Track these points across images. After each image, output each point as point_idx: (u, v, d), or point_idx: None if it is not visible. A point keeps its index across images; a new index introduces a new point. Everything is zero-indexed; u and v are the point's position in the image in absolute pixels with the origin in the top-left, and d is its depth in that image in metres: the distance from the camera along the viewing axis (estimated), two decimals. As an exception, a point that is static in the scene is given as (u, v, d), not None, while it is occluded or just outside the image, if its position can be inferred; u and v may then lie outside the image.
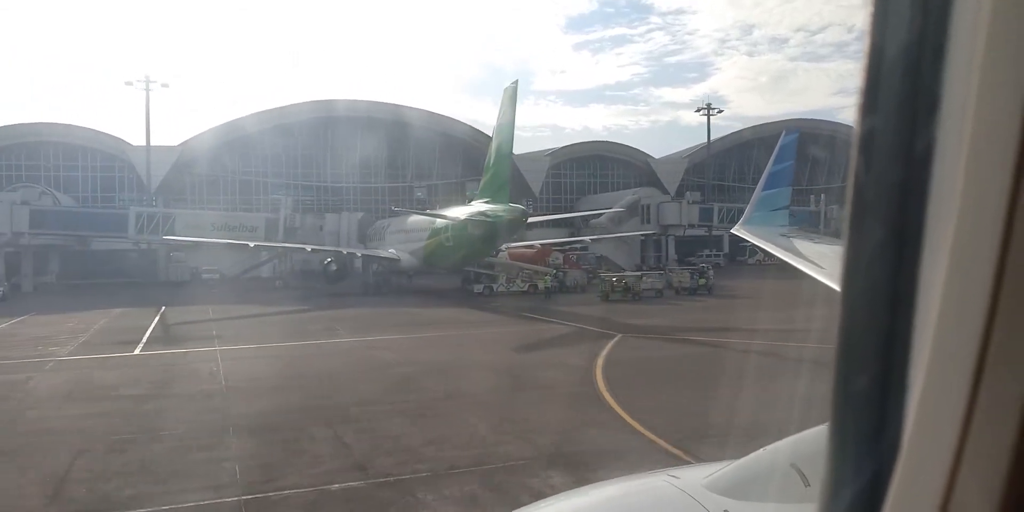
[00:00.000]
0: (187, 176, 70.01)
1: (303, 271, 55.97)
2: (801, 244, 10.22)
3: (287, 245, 50.87)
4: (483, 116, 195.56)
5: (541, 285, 43.69)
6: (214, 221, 59.55)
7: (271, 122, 71.92)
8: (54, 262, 61.30)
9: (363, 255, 45.94)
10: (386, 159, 78.64)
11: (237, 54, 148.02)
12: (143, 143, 67.67)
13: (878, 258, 0.96)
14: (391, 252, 46.27)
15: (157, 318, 33.64)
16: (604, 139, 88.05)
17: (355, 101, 78.46)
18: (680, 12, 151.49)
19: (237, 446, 12.32)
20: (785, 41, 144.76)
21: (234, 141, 71.07)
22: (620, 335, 24.77)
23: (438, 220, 40.87)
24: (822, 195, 73.35)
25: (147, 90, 62.83)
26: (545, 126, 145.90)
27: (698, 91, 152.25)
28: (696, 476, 3.15)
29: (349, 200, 77.82)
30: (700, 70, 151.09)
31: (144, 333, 27.99)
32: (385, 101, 78.73)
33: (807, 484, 2.62)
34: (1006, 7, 0.76)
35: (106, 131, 69.59)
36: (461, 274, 47.86)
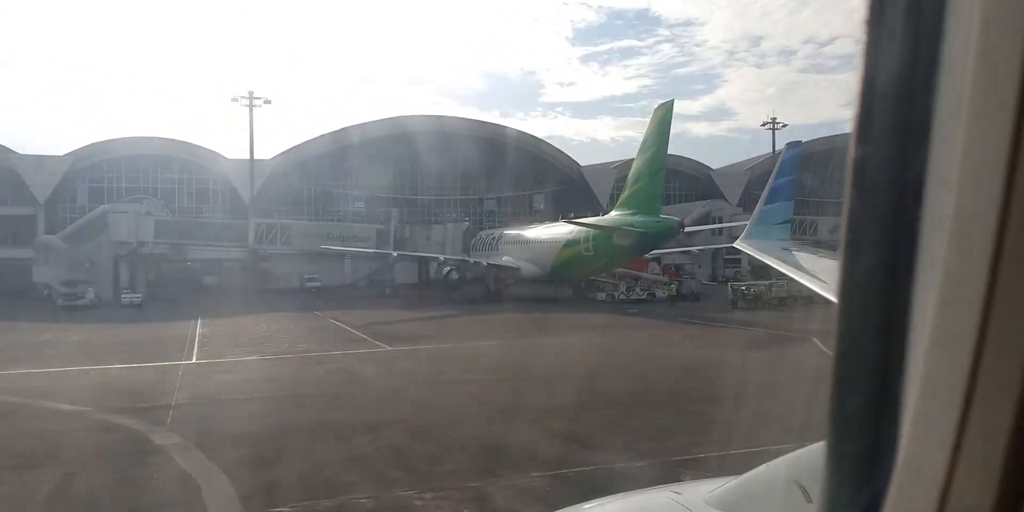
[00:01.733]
0: (278, 188, 72.94)
1: (391, 280, 59.03)
2: (804, 258, 10.28)
3: (424, 255, 53.30)
4: None
5: (659, 293, 46.07)
6: (329, 232, 62.28)
7: (354, 138, 74.75)
8: (151, 271, 63.98)
9: (488, 264, 48.35)
10: (460, 172, 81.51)
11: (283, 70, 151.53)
12: (235, 156, 71.03)
13: (872, 281, 0.99)
14: (508, 260, 48.76)
15: (335, 321, 36.20)
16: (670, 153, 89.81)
17: (429, 116, 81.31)
18: (688, 24, 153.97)
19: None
20: (793, 53, 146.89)
21: (321, 156, 74.04)
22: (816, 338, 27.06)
23: (576, 230, 43.31)
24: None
25: (251, 106, 65.80)
26: (552, 138, 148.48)
27: (706, 103, 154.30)
28: (698, 492, 3.14)
29: (423, 212, 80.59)
30: (708, 82, 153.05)
31: (356, 333, 30.56)
32: (459, 116, 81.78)
33: (809, 500, 2.59)
34: (993, 42, 0.79)
35: (201, 144, 72.60)
36: (570, 284, 50.25)
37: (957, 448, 0.83)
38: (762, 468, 3.08)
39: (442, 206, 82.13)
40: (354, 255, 63.49)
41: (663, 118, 38.97)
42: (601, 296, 46.09)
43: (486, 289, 48.70)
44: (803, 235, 57.12)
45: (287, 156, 73.57)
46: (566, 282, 49.74)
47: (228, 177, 71.42)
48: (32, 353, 25.71)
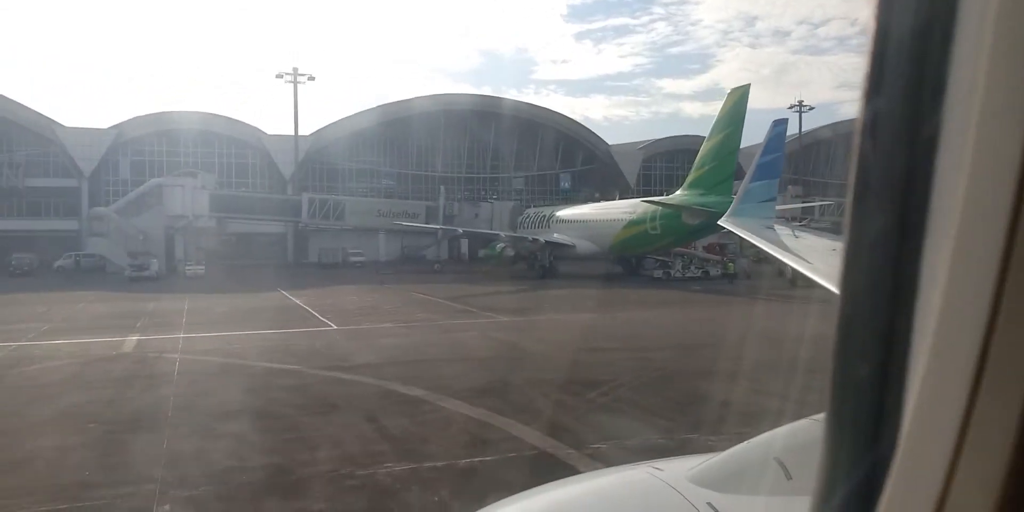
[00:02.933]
0: (316, 164, 74.08)
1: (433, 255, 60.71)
2: (787, 237, 10.19)
3: (483, 231, 54.61)
4: None
5: (713, 271, 47.83)
6: (380, 208, 63.56)
7: (390, 115, 75.74)
8: (195, 244, 65.04)
9: (545, 241, 49.80)
10: (491, 150, 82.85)
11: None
12: (275, 132, 71.95)
13: (880, 245, 0.96)
14: (564, 238, 50.31)
15: (418, 294, 37.75)
16: (694, 134, 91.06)
17: (464, 95, 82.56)
18: (683, 2, 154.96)
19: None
20: (788, 34, 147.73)
21: (358, 132, 75.09)
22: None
23: (639, 209, 44.81)
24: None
25: (295, 82, 66.57)
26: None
27: (700, 82, 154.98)
28: (679, 469, 3.14)
29: (455, 189, 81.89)
30: (702, 61, 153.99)
31: (452, 305, 32.18)
32: (491, 95, 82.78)
33: (789, 477, 2.63)
34: (1011, 20, 0.76)
35: (242, 120, 73.35)
36: (621, 262, 51.92)
37: (965, 427, 0.81)
38: (743, 445, 3.12)
39: (472, 184, 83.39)
40: (390, 231, 65.09)
41: (738, 101, 40.29)
42: (657, 273, 47.78)
43: (541, 266, 50.28)
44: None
45: (325, 132, 74.63)
46: (620, 260, 51.39)
47: (268, 152, 72.38)
48: (167, 321, 27.13)
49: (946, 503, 0.83)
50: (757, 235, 10.80)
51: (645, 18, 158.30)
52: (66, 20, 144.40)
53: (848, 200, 0.99)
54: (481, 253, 59.72)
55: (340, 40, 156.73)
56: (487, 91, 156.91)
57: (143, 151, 71.31)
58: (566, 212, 54.08)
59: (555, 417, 12.61)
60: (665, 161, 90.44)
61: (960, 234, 0.82)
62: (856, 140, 0.96)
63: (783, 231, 11.68)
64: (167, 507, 8.58)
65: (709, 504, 2.73)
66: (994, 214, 0.78)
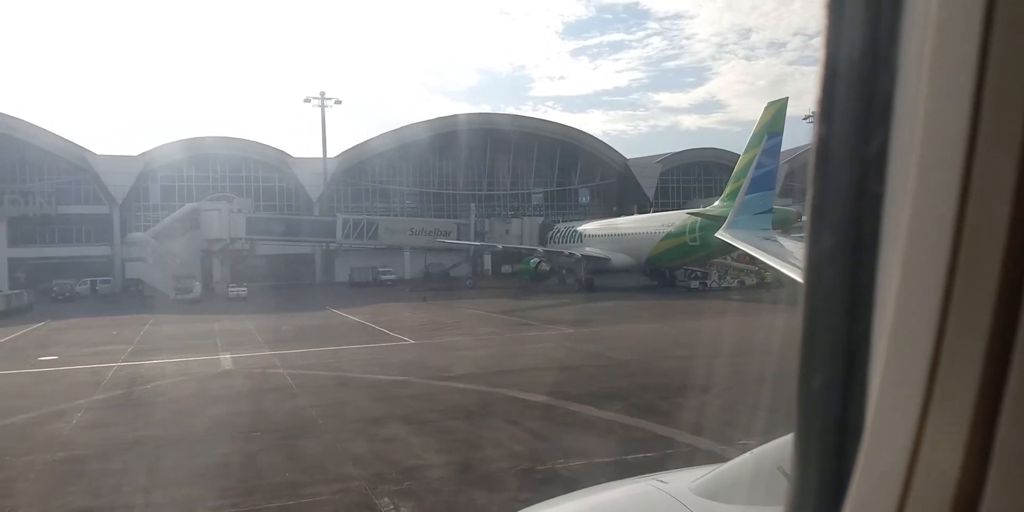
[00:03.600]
0: (341, 185, 75.25)
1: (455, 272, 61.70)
2: (785, 247, 10.07)
3: (523, 247, 55.42)
4: None
5: (747, 281, 48.59)
6: (412, 227, 64.59)
7: (410, 136, 76.99)
8: (219, 267, 65.82)
9: (581, 255, 50.65)
10: (510, 167, 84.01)
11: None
12: (301, 155, 73.32)
13: (837, 259, 0.99)
14: (598, 252, 51.16)
15: (468, 309, 38.54)
16: (711, 147, 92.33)
17: (482, 114, 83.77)
18: (678, 17, 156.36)
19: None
20: (783, 45, 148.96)
21: (380, 154, 76.38)
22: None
23: (677, 221, 45.69)
24: None
25: (322, 106, 67.94)
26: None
27: (696, 96, 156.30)
28: (683, 480, 3.15)
29: (476, 207, 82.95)
30: (698, 74, 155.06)
31: (510, 318, 32.96)
32: (508, 113, 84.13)
33: (788, 493, 3.00)
34: (950, 18, 0.81)
35: (270, 144, 74.68)
36: (654, 274, 52.73)
37: (921, 425, 0.85)
38: (746, 455, 3.12)
39: (493, 201, 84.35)
40: (413, 249, 66.14)
41: (776, 114, 41.26)
42: (694, 284, 48.55)
43: (577, 279, 51.09)
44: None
45: (349, 154, 75.85)
46: (653, 272, 52.16)
47: (295, 175, 73.59)
48: (243, 340, 27.93)
49: (908, 494, 0.86)
50: (754, 246, 10.97)
51: (640, 33, 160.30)
52: (94, 49, 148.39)
53: (807, 217, 1.05)
54: (508, 269, 60.48)
55: (340, 62, 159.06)
56: (485, 109, 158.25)
57: (172, 177, 72.46)
58: (599, 226, 55.00)
59: (687, 418, 13.33)
60: (682, 174, 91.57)
61: (909, 244, 0.86)
62: (811, 161, 1.01)
63: (782, 241, 11.76)
64: (385, 500, 9.34)
65: None
66: (939, 224, 0.81)
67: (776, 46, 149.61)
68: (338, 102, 69.02)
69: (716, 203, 46.50)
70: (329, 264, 71.98)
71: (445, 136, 78.52)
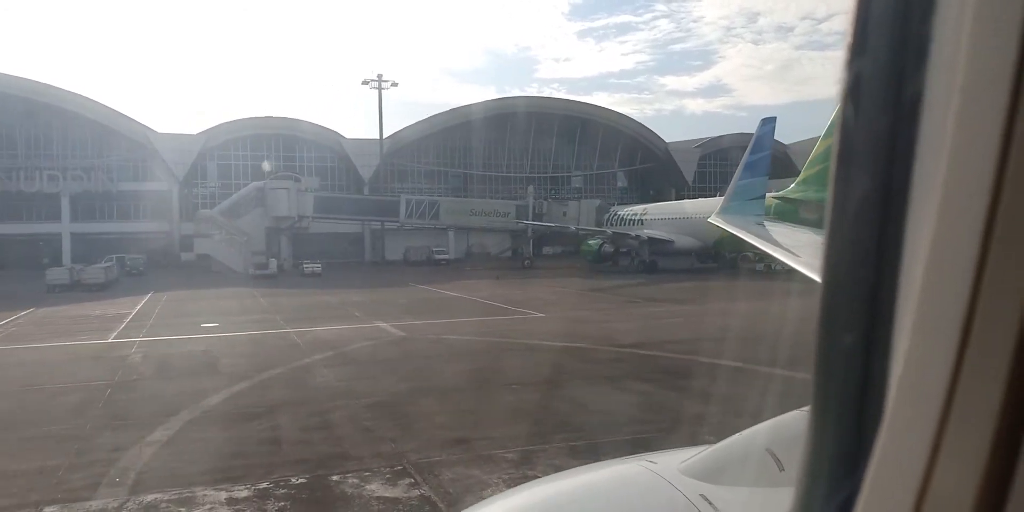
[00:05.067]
0: (389, 166, 76.68)
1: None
2: (778, 233, 9.99)
3: (595, 229, 56.75)
4: None
5: (809, 263, 50.15)
6: (472, 207, 66.15)
7: (457, 119, 78.35)
8: (285, 245, 67.56)
9: (647, 237, 52.18)
10: (552, 149, 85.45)
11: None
12: (352, 136, 74.71)
13: (863, 215, 0.94)
14: (662, 234, 52.67)
15: (553, 288, 40.18)
16: (748, 132, 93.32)
17: (525, 97, 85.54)
18: None
19: None
20: (791, 29, 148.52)
21: (428, 136, 77.88)
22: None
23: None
24: None
25: (379, 88, 69.10)
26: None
27: (703, 79, 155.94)
28: (672, 461, 3.14)
29: (517, 188, 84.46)
30: (705, 58, 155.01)
31: (607, 295, 34.59)
32: (556, 96, 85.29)
33: (781, 469, 2.64)
34: (988, 5, 0.76)
35: (324, 125, 76.06)
36: (715, 257, 54.28)
37: (946, 410, 0.80)
38: (735, 437, 3.13)
39: (535, 183, 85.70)
40: (459, 229, 67.83)
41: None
42: (759, 267, 50.07)
43: (640, 261, 52.66)
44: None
45: (399, 136, 77.14)
46: (715, 255, 53.71)
47: (348, 155, 74.97)
48: (375, 310, 29.53)
49: (928, 487, 0.83)
50: (747, 231, 10.86)
51: (647, 15, 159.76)
52: (156, 31, 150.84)
53: (831, 166, 0.99)
54: (550, 250, 61.61)
55: (349, 43, 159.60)
56: (491, 90, 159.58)
57: (229, 155, 74.01)
58: (661, 209, 56.45)
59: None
60: (719, 159, 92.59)
61: (943, 203, 0.80)
62: (839, 104, 0.95)
63: (774, 227, 11.69)
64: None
65: (702, 496, 2.76)
66: (977, 182, 0.77)
67: (784, 30, 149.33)
68: (395, 84, 70.07)
69: (792, 187, 47.85)
70: (378, 243, 73.58)
71: (490, 119, 79.88)
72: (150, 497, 8.70)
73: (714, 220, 15.73)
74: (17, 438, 11.50)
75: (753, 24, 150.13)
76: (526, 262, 60.44)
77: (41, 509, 8.39)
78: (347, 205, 63.06)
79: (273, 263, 53.27)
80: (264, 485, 9.08)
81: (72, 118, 67.10)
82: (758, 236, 9.85)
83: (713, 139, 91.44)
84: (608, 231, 54.17)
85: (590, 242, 55.09)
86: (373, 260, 70.96)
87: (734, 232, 11.75)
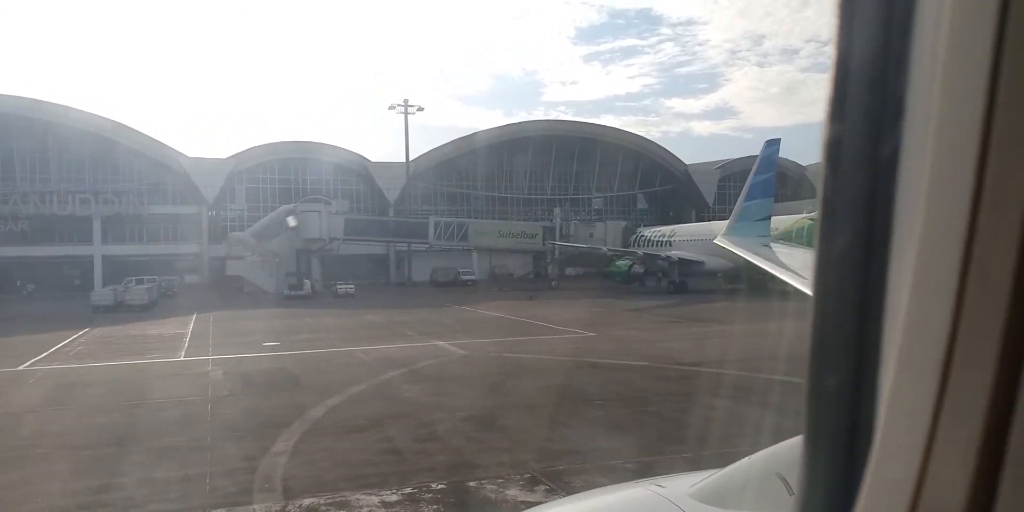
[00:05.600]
0: (413, 189, 77.78)
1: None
2: (783, 254, 10.04)
3: (626, 250, 57.25)
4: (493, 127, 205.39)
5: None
6: (500, 229, 66.98)
7: (479, 143, 79.70)
8: (315, 266, 68.30)
9: (678, 258, 52.77)
10: (573, 172, 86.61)
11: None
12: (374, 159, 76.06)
13: (848, 260, 0.99)
14: (690, 255, 53.24)
15: (593, 308, 40.69)
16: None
17: (545, 121, 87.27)
18: (690, 23, 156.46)
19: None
20: (796, 52, 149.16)
21: (450, 159, 79.26)
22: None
23: (777, 226, 47.67)
24: None
25: (406, 113, 70.32)
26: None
27: (709, 102, 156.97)
28: (682, 485, 3.16)
29: (537, 210, 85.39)
30: (711, 81, 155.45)
31: (650, 315, 35.08)
32: (578, 120, 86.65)
33: (791, 493, 2.54)
34: (964, 19, 0.80)
35: (348, 148, 77.40)
36: (743, 278, 54.71)
37: (933, 429, 0.84)
38: (744, 461, 3.12)
39: (555, 205, 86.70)
40: (481, 250, 68.62)
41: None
42: (789, 288, 50.46)
43: (669, 281, 53.16)
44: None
45: (421, 160, 78.35)
46: (745, 276, 54.17)
47: (373, 178, 76.14)
48: (425, 330, 30.10)
49: (920, 498, 0.86)
50: (753, 252, 10.88)
51: (653, 39, 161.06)
52: (185, 58, 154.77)
53: (817, 219, 1.04)
54: (572, 271, 62.15)
55: (355, 68, 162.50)
56: (498, 114, 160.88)
57: (257, 178, 75.27)
58: (690, 230, 57.05)
59: None
60: (739, 181, 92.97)
61: (921, 248, 0.85)
62: (821, 162, 1.01)
63: (780, 249, 11.69)
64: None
65: None
66: (952, 228, 0.81)
67: (789, 53, 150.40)
68: (420, 109, 71.39)
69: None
70: (403, 264, 74.30)
71: (511, 143, 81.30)
72: (307, 501, 9.27)
73: (720, 241, 15.61)
74: (146, 449, 12.11)
75: (758, 47, 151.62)
76: (553, 283, 61.04)
77: (209, 512, 8.97)
78: (376, 227, 64.04)
79: (308, 284, 54.03)
80: (408, 490, 9.64)
81: (104, 143, 68.50)
82: (764, 258, 9.96)
83: (733, 161, 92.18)
84: (639, 252, 54.75)
85: (619, 263, 55.69)
86: (399, 281, 71.63)
87: (740, 253, 11.84)
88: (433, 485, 9.85)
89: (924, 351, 0.85)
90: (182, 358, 22.84)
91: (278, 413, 14.36)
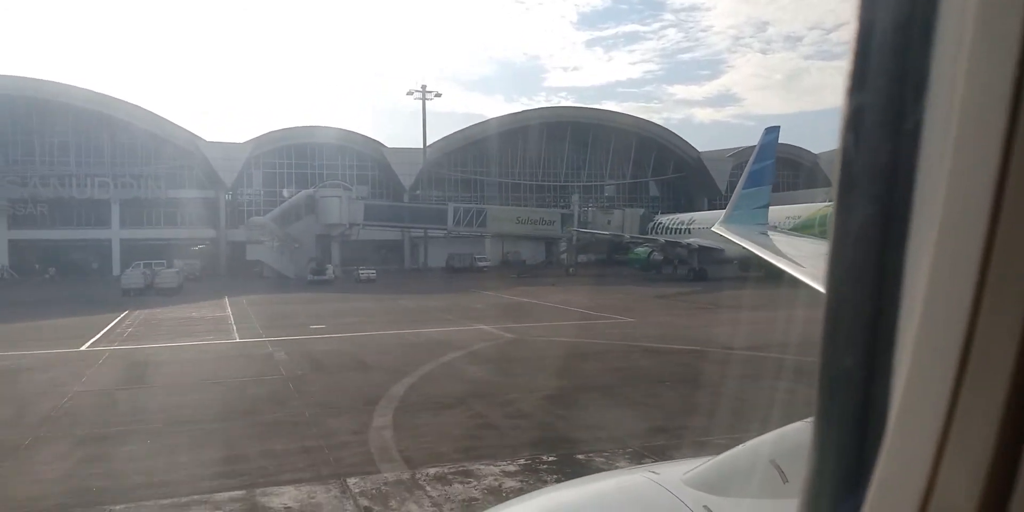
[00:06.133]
0: (428, 175, 78.09)
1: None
2: (781, 242, 10.01)
3: (648, 237, 57.62)
4: (494, 112, 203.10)
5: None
6: (519, 216, 67.40)
7: (493, 129, 79.84)
8: (336, 251, 68.60)
9: (698, 246, 53.21)
10: (586, 159, 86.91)
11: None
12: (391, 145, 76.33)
13: (865, 238, 0.96)
14: (711, 242, 53.66)
15: (623, 294, 41.21)
16: (783, 142, 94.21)
17: (560, 107, 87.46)
18: (694, 9, 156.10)
19: None
20: (799, 39, 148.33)
21: (465, 146, 79.46)
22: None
23: (802, 214, 48.13)
24: None
25: (424, 99, 70.60)
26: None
27: (711, 89, 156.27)
28: (676, 472, 3.16)
29: (548, 197, 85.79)
30: (713, 67, 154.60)
31: (677, 303, 35.59)
32: (591, 106, 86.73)
33: (785, 480, 2.63)
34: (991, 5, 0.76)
35: (363, 133, 77.63)
36: (755, 265, 55.24)
37: (949, 421, 0.81)
38: (739, 448, 3.13)
39: (567, 192, 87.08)
40: (495, 237, 69.08)
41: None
42: (807, 275, 51.02)
43: (690, 269, 53.65)
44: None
45: (437, 145, 78.58)
46: (764, 264, 54.61)
47: (389, 164, 76.42)
48: (465, 315, 30.60)
49: (932, 491, 0.84)
50: (750, 240, 10.86)
51: (656, 25, 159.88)
52: (202, 45, 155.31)
53: (833, 194, 1.01)
54: (584, 259, 62.76)
55: (359, 51, 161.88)
56: (499, 99, 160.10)
57: (274, 163, 75.52)
58: (708, 217, 57.37)
59: None
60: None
61: (943, 225, 0.82)
62: (840, 134, 0.98)
63: (777, 237, 11.60)
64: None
65: (705, 507, 2.76)
66: (975, 206, 0.78)
67: (792, 40, 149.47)
68: (438, 95, 71.58)
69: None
70: (417, 250, 74.85)
71: (524, 130, 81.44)
72: (432, 470, 9.79)
73: (717, 229, 15.52)
74: (252, 424, 12.64)
75: (762, 33, 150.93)
76: (570, 270, 61.46)
77: (344, 480, 9.49)
78: (396, 213, 64.49)
79: (330, 269, 54.53)
80: (523, 461, 10.16)
81: (123, 127, 68.75)
82: (762, 246, 9.88)
83: (746, 149, 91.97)
84: (661, 240, 55.15)
85: (638, 250, 56.10)
86: (414, 267, 72.14)
87: (738, 242, 11.79)
88: (544, 457, 10.36)
89: (943, 335, 0.82)
90: (237, 340, 23.38)
91: (361, 391, 14.88)
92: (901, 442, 0.88)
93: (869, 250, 0.95)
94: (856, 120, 0.96)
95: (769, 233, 12.95)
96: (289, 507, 8.61)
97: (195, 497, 8.91)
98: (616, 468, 9.85)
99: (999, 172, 0.76)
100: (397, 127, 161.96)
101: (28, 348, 21.67)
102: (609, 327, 25.88)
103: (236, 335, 24.33)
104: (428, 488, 9.13)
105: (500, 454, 10.52)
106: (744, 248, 36.17)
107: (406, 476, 9.59)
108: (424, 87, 70.58)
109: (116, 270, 62.64)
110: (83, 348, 21.64)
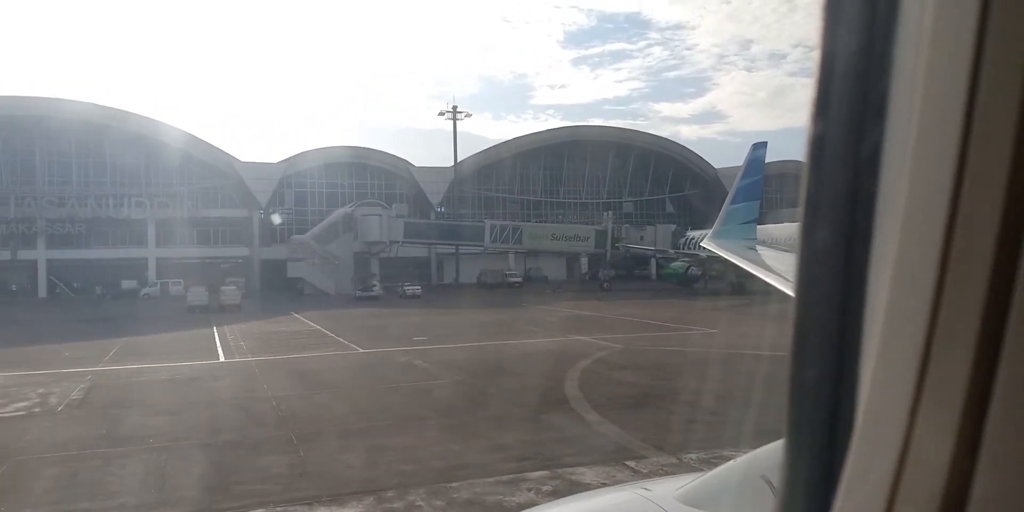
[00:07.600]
0: (455, 193, 79.67)
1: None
2: (769, 257, 10.12)
3: (690, 253, 58.39)
4: (482, 130, 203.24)
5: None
6: (554, 232, 68.74)
7: (511, 150, 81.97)
8: (376, 268, 69.14)
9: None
10: (605, 177, 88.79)
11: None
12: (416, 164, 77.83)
13: (829, 257, 0.99)
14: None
15: (675, 310, 42.49)
16: (793, 159, 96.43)
17: (583, 126, 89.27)
18: (679, 27, 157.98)
19: None
20: (784, 56, 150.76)
21: (489, 165, 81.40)
22: None
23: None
24: None
25: (455, 119, 72.34)
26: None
27: (697, 106, 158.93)
28: (668, 488, 3.21)
29: (571, 214, 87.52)
30: (698, 85, 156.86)
31: (731, 313, 36.88)
32: (611, 125, 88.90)
33: (776, 495, 2.14)
34: (945, 22, 0.82)
35: (392, 153, 79.27)
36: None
37: (911, 424, 0.85)
38: (730, 464, 3.18)
39: (587, 209, 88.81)
40: (518, 254, 70.49)
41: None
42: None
43: (729, 283, 55.04)
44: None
45: (464, 165, 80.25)
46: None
47: (417, 182, 77.92)
48: (539, 328, 31.71)
49: (895, 502, 0.86)
50: (739, 255, 10.96)
51: (641, 43, 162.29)
52: (233, 66, 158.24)
53: (799, 215, 1.04)
54: (610, 273, 64.54)
55: (350, 66, 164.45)
56: (487, 116, 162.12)
57: (305, 183, 76.89)
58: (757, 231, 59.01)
59: None
60: (768, 185, 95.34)
61: (901, 245, 0.87)
62: (805, 160, 1.02)
63: (765, 252, 11.63)
64: None
65: None
66: (931, 225, 0.82)
67: (777, 57, 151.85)
68: (468, 115, 73.26)
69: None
70: (444, 266, 76.10)
71: (546, 148, 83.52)
72: (693, 455, 10.98)
73: (706, 244, 15.42)
74: (480, 419, 13.72)
75: (746, 51, 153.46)
76: (604, 284, 62.77)
77: (623, 463, 10.66)
78: (434, 230, 65.86)
79: (378, 286, 55.63)
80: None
81: (160, 147, 69.90)
82: (750, 261, 9.96)
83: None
84: (702, 255, 56.53)
85: (674, 265, 57.55)
86: (446, 283, 73.19)
87: (726, 256, 11.93)
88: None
89: (903, 346, 0.86)
90: (360, 350, 24.43)
91: (538, 392, 15.96)
92: (866, 447, 0.92)
93: (833, 267, 1.00)
94: (819, 144, 1.00)
95: (757, 248, 13.26)
96: (590, 482, 9.77)
97: (508, 476, 10.04)
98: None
99: (952, 193, 0.81)
100: (389, 145, 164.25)
101: (164, 361, 22.62)
102: (703, 337, 27.09)
103: (355, 346, 25.36)
104: (703, 468, 10.31)
105: (741, 443, 11.68)
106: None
107: (674, 460, 10.77)
108: (455, 107, 72.39)
109: (149, 289, 63.78)
110: (222, 359, 22.66)
